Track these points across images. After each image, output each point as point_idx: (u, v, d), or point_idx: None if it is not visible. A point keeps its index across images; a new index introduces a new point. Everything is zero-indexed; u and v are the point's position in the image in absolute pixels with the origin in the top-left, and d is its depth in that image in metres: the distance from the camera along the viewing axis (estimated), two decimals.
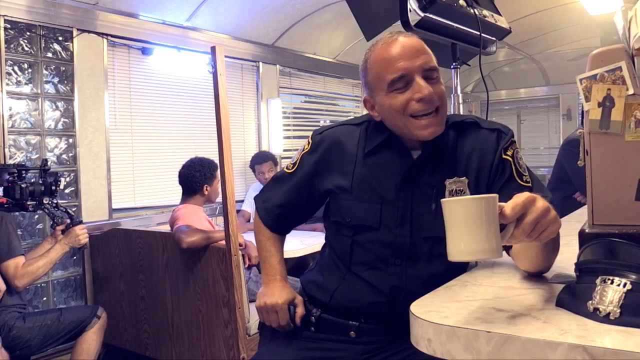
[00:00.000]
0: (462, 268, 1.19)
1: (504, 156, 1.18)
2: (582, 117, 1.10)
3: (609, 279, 0.80)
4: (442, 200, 0.86)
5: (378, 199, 1.22)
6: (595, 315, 0.78)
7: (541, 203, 0.85)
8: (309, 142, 1.34)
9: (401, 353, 1.18)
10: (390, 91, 1.17)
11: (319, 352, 1.26)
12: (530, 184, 1.17)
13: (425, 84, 1.14)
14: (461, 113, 2.12)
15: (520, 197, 0.85)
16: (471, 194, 1.18)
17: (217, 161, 2.94)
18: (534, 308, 0.86)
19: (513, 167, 1.18)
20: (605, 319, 0.77)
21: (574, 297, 0.84)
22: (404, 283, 1.19)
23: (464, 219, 0.83)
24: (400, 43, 1.17)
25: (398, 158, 1.23)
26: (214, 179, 2.93)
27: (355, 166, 1.26)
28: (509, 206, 0.84)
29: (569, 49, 6.09)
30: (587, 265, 0.87)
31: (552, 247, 1.01)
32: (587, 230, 1.03)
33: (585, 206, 1.17)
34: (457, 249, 0.84)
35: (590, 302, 0.80)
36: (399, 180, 1.21)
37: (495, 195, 0.85)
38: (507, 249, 1.11)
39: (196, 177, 2.89)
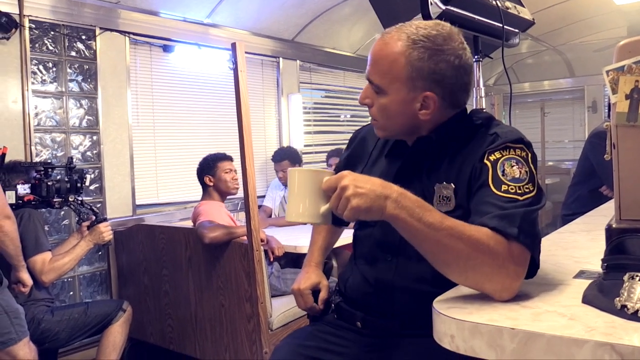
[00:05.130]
0: None
1: (485, 160, 1.08)
2: (609, 110, 1.08)
3: (637, 275, 0.79)
4: (288, 169, 1.03)
5: None
6: (623, 312, 0.76)
7: (346, 181, 0.92)
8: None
9: (403, 357, 1.17)
10: None
11: (334, 338, 1.30)
12: (512, 195, 1.00)
13: (364, 91, 1.15)
14: (483, 106, 2.08)
15: (339, 174, 0.94)
16: (456, 202, 1.12)
17: (232, 155, 2.99)
18: (560, 304, 0.85)
19: (490, 173, 1.06)
20: (634, 316, 0.75)
21: (601, 294, 0.83)
22: (392, 278, 1.20)
23: (296, 187, 0.98)
24: (373, 47, 1.16)
25: (394, 159, 1.25)
26: (216, 168, 2.97)
27: (366, 164, 1.31)
28: (326, 181, 0.95)
29: (594, 39, 5.95)
30: (614, 261, 0.85)
31: (437, 255, 0.95)
32: (614, 226, 1.00)
33: (612, 200, 1.14)
34: (289, 210, 0.99)
35: (617, 298, 0.78)
36: (391, 180, 1.21)
37: (324, 171, 0.98)
38: None
39: (198, 171, 3.00)
